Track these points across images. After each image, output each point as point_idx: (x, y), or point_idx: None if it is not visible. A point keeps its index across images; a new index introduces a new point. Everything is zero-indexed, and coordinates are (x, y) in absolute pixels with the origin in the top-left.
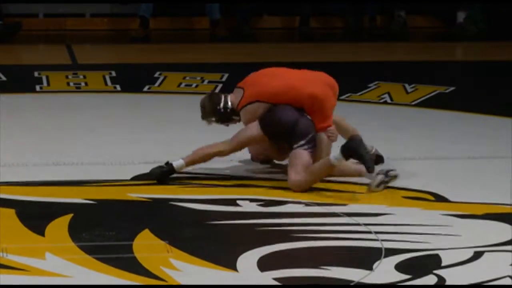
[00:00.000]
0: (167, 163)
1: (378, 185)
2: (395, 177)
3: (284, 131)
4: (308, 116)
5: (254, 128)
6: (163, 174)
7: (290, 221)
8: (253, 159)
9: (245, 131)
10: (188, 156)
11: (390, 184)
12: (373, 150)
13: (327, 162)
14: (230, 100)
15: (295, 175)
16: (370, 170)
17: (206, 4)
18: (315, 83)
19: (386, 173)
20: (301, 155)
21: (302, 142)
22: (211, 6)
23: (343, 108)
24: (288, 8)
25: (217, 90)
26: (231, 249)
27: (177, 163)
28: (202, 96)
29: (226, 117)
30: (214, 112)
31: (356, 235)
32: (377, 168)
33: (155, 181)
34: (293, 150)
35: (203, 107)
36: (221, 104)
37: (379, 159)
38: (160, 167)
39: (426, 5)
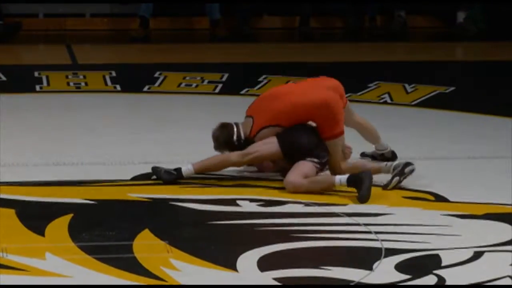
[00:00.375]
0: (176, 170)
1: (393, 188)
2: (410, 172)
3: (303, 152)
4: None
5: (273, 145)
6: (171, 181)
7: (290, 221)
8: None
9: (263, 147)
10: (198, 162)
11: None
12: (388, 149)
13: (331, 180)
14: (242, 130)
15: (294, 177)
16: (360, 199)
17: (206, 4)
18: (318, 91)
19: (401, 173)
20: (307, 165)
21: (315, 160)
22: (211, 6)
23: None
24: (288, 8)
25: (216, 90)
26: (231, 249)
27: (186, 170)
28: (213, 128)
29: (240, 147)
30: (228, 143)
31: (356, 235)
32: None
33: (155, 181)
34: (303, 160)
35: (216, 139)
36: (235, 137)
37: (394, 155)
38: (169, 173)
39: (426, 5)
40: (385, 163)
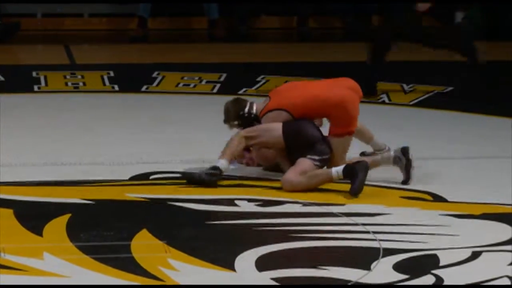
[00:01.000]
0: (215, 168)
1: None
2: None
3: (305, 144)
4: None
5: (276, 132)
6: (216, 181)
7: (288, 221)
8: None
9: (266, 134)
10: (222, 154)
11: (387, 185)
12: (386, 148)
13: (328, 173)
14: (256, 107)
15: (293, 175)
16: (352, 192)
17: (205, 4)
18: (340, 89)
19: (408, 162)
20: (307, 162)
21: (316, 157)
22: (210, 6)
23: None
24: (286, 8)
25: (214, 90)
26: (229, 249)
27: (221, 164)
28: (227, 101)
29: (249, 122)
30: (237, 116)
31: (354, 235)
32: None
33: (153, 181)
34: (303, 158)
35: (227, 110)
36: (246, 109)
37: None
38: (210, 174)
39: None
40: (379, 155)
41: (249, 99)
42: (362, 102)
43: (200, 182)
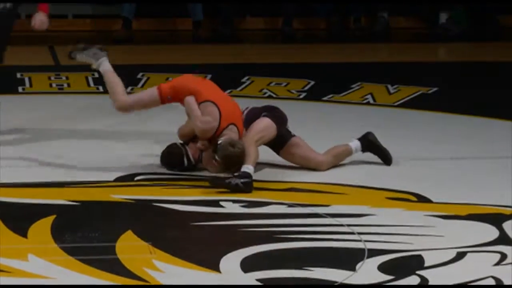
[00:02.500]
0: (248, 175)
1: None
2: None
3: (285, 124)
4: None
5: (272, 127)
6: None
7: (273, 222)
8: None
9: (265, 130)
10: (247, 159)
11: (373, 185)
12: (358, 144)
13: (349, 149)
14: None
15: (321, 156)
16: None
17: (189, 5)
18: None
19: (376, 146)
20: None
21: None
22: (194, 7)
23: (326, 109)
24: (271, 9)
25: None
26: (214, 250)
27: (251, 170)
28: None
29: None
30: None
31: (339, 236)
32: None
33: (138, 182)
34: (295, 137)
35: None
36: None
37: (368, 141)
38: (247, 183)
39: (408, 6)
40: (351, 146)
41: (235, 100)
42: (346, 103)
43: (237, 190)
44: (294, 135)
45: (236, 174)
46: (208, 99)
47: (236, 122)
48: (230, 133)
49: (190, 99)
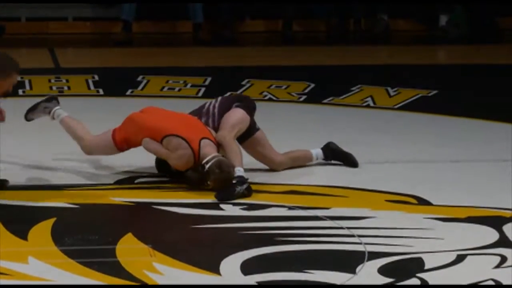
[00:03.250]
0: (243, 179)
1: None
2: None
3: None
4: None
5: (246, 119)
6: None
7: (273, 225)
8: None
9: (242, 122)
10: (234, 159)
11: (372, 188)
12: (320, 153)
13: (309, 155)
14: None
15: (280, 156)
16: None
17: (189, 7)
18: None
19: (337, 153)
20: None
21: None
22: (194, 10)
23: (326, 112)
24: (271, 11)
25: (199, 94)
26: (214, 252)
27: (243, 173)
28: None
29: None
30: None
31: (339, 238)
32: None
33: (135, 185)
34: (259, 131)
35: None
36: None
37: (331, 150)
38: (247, 188)
39: (408, 8)
40: (312, 153)
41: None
42: (346, 105)
43: (243, 196)
44: (258, 128)
45: (234, 182)
46: (165, 134)
47: (203, 134)
48: (208, 149)
49: (148, 144)
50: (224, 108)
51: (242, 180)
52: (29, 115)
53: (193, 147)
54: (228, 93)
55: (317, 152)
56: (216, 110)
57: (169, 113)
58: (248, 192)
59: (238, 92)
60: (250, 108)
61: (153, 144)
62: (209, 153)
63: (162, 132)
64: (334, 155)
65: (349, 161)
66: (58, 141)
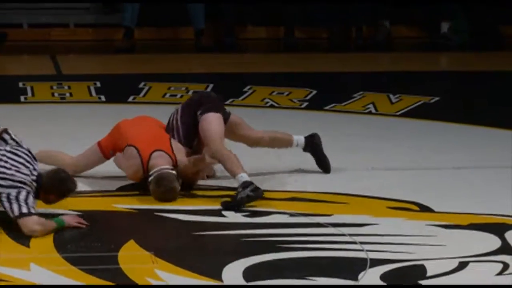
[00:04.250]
0: (249, 183)
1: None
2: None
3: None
4: None
5: (211, 118)
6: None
7: (275, 232)
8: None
9: (220, 124)
10: (235, 169)
11: (374, 195)
12: (302, 140)
13: (290, 139)
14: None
15: (260, 132)
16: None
17: (191, 14)
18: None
19: (315, 145)
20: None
21: None
22: (196, 16)
23: (328, 119)
24: (273, 18)
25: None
26: (217, 259)
27: (248, 177)
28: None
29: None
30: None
31: (341, 245)
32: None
33: (138, 192)
34: (232, 115)
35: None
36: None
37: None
38: (253, 190)
39: (410, 15)
40: (293, 138)
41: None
42: (348, 112)
43: (251, 200)
44: (229, 113)
45: (239, 189)
46: (127, 143)
47: (159, 147)
48: (157, 161)
49: (116, 160)
50: (187, 118)
51: (245, 184)
52: None
53: (143, 157)
54: (188, 99)
55: (298, 139)
56: (179, 123)
57: (148, 124)
58: (255, 193)
59: (240, 98)
60: (218, 108)
61: (117, 159)
62: (157, 165)
63: (127, 142)
64: (313, 150)
65: (323, 164)
66: (60, 148)
